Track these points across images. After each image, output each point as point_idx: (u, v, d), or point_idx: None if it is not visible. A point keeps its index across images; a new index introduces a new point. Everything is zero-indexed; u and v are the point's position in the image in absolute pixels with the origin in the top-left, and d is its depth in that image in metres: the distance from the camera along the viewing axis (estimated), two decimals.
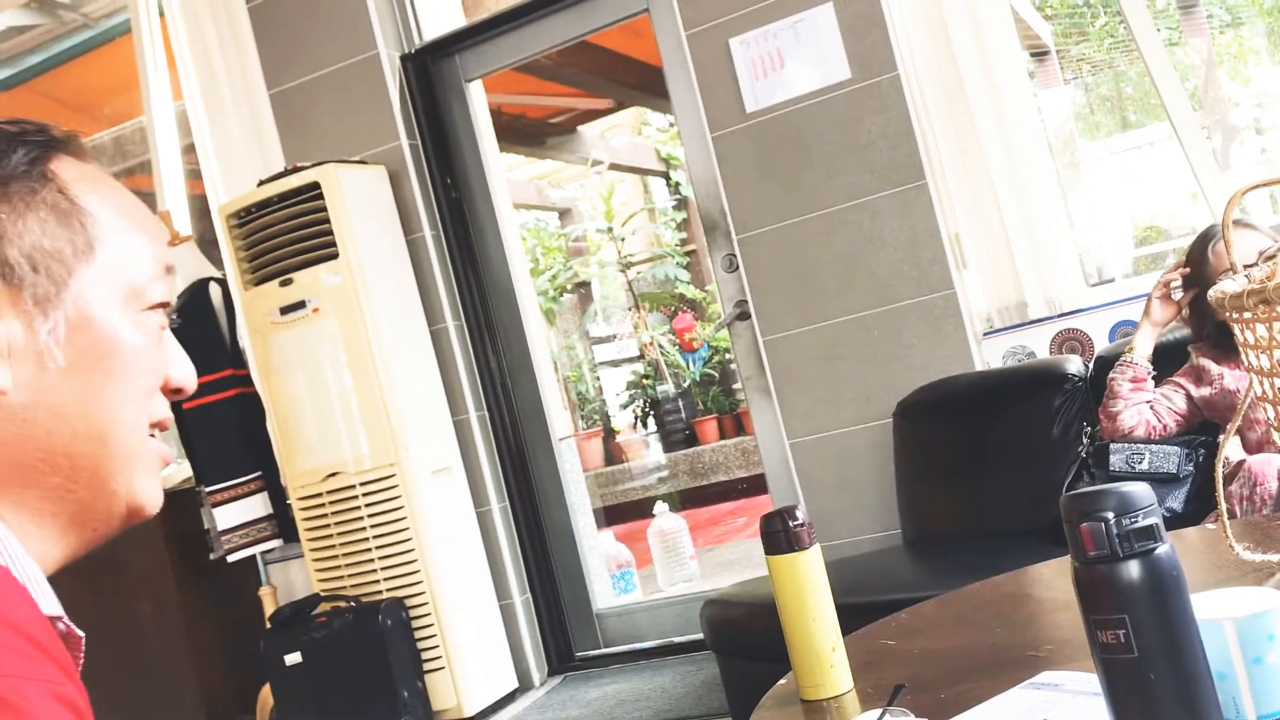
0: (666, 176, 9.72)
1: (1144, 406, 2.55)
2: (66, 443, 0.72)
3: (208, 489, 3.68)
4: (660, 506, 4.97)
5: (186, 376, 0.82)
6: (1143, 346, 2.58)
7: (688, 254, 9.27)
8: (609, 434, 8.71)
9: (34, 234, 0.73)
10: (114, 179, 0.81)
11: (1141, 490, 0.84)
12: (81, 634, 0.74)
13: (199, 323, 3.70)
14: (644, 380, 8.67)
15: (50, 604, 0.71)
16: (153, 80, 4.27)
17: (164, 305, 0.80)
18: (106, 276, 0.75)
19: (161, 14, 4.22)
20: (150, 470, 0.78)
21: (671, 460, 7.90)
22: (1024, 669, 1.19)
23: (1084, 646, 0.91)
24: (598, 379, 9.22)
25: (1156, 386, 2.58)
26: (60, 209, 0.74)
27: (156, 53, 4.29)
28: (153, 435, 0.79)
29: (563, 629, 3.91)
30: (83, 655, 0.75)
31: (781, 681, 1.41)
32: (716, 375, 8.36)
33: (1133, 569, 0.83)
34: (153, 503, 0.79)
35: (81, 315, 0.73)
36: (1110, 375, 2.60)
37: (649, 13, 3.65)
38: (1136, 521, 0.83)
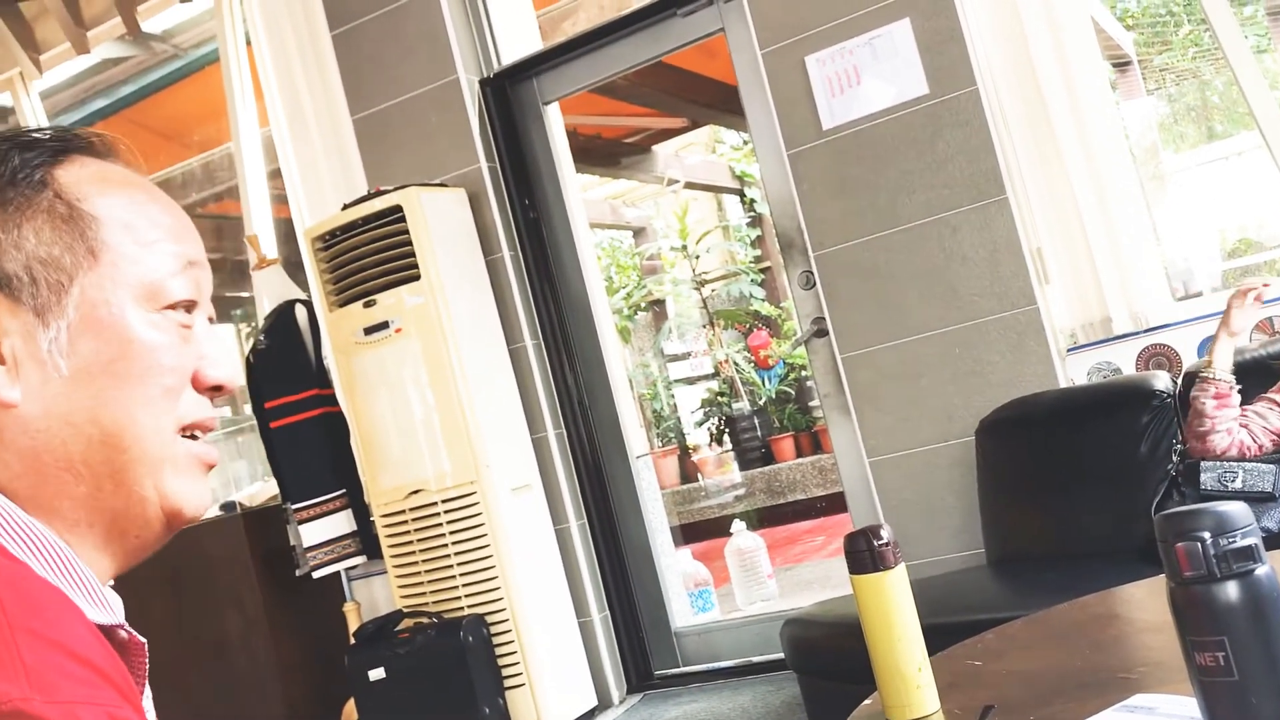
0: (741, 194, 9.71)
1: (1235, 425, 2.47)
2: (83, 451, 0.72)
3: (294, 506, 3.75)
4: (737, 525, 4.95)
5: (224, 374, 0.78)
6: (1222, 360, 2.49)
7: (762, 271, 9.25)
8: (684, 452, 8.70)
9: (29, 243, 0.72)
10: (139, 176, 0.80)
11: (1239, 510, 0.83)
12: (144, 640, 0.74)
13: (285, 344, 3.79)
14: (719, 398, 8.65)
15: (108, 613, 0.71)
16: (240, 108, 4.40)
17: (189, 302, 0.77)
18: (115, 279, 0.74)
19: (249, 43, 4.35)
20: (184, 472, 0.76)
21: (748, 478, 7.87)
22: (1116, 691, 1.17)
23: (1179, 669, 0.90)
24: (673, 397, 9.22)
25: (1250, 403, 2.51)
26: (58, 215, 0.73)
27: (244, 81, 4.41)
28: (192, 436, 0.77)
29: (641, 647, 3.92)
30: (146, 661, 0.74)
31: (866, 702, 1.40)
32: (793, 392, 8.32)
33: (1231, 590, 0.82)
34: (192, 505, 0.77)
35: (85, 321, 0.72)
36: (1192, 394, 2.53)
37: (724, 32, 3.67)
38: (1235, 541, 0.82)
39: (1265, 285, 2.50)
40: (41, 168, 0.75)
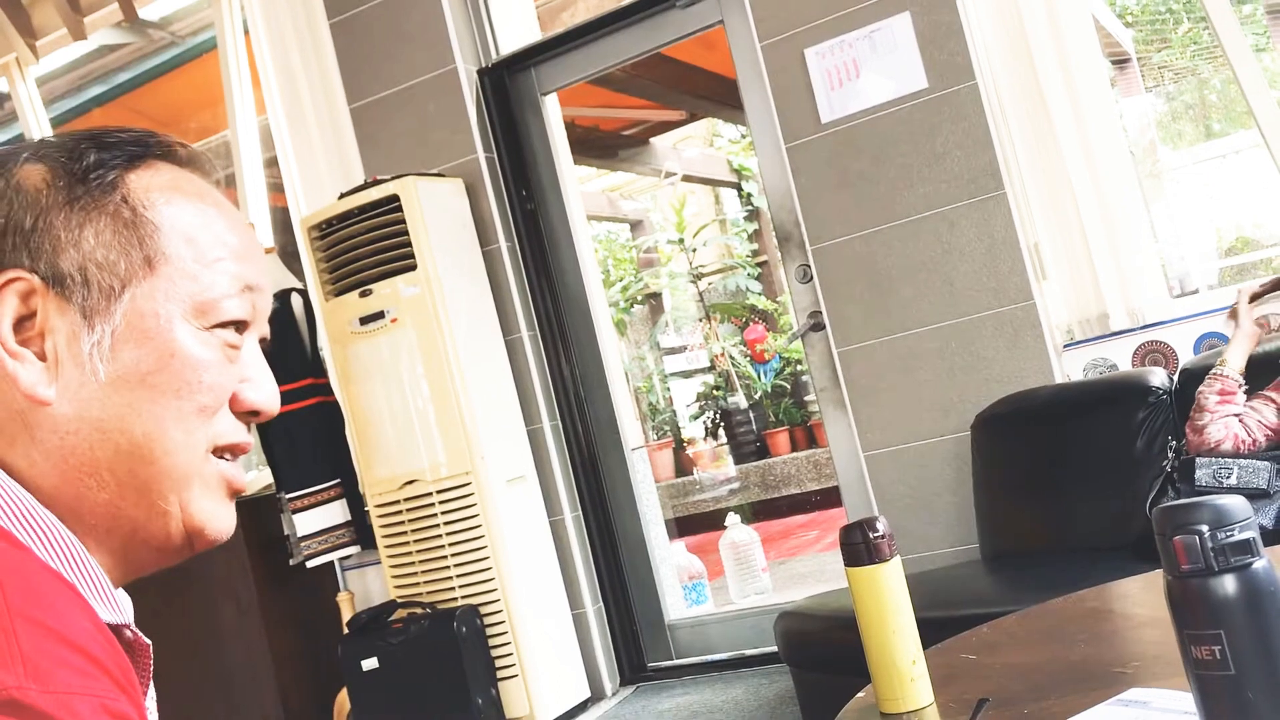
0: (738, 187, 9.70)
1: (1231, 420, 2.48)
2: (110, 458, 0.71)
3: (288, 495, 3.75)
4: (732, 518, 4.95)
5: (262, 399, 0.77)
6: (1235, 358, 2.52)
7: (759, 265, 9.24)
8: (680, 445, 8.70)
9: (89, 244, 0.71)
10: (214, 191, 0.79)
11: (1237, 503, 0.83)
12: (149, 642, 0.73)
13: (281, 333, 3.77)
14: (715, 391, 8.65)
15: (115, 611, 0.70)
16: (237, 96, 4.39)
17: (240, 323, 0.76)
18: (169, 291, 0.73)
19: (246, 31, 4.33)
20: (212, 493, 0.75)
21: (743, 472, 7.87)
22: (1111, 685, 1.17)
23: (1174, 664, 0.90)
24: (668, 390, 9.22)
25: (1248, 400, 2.52)
26: (122, 220, 0.73)
27: (241, 69, 4.40)
28: (224, 458, 0.76)
29: (635, 639, 3.92)
30: (151, 662, 0.74)
31: (860, 695, 1.40)
32: (788, 387, 8.32)
33: (1228, 583, 0.81)
34: (216, 527, 0.76)
35: (131, 329, 0.71)
36: (1199, 389, 2.54)
37: (723, 24, 3.66)
38: (1232, 535, 0.82)
39: (1247, 285, 2.53)
40: (116, 169, 0.74)
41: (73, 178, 0.72)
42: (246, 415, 0.77)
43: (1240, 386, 2.50)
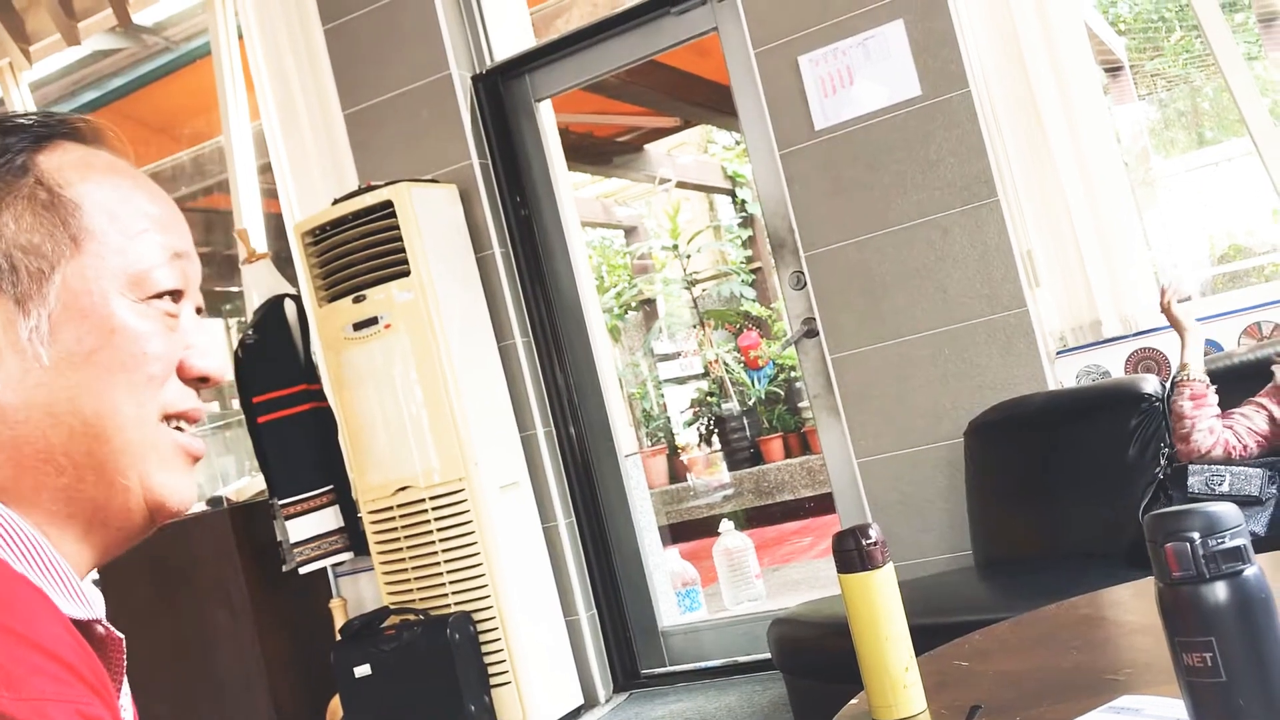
0: (732, 194, 9.72)
1: (1216, 425, 2.49)
2: (64, 441, 0.70)
3: (281, 501, 3.74)
4: (725, 525, 4.95)
5: (210, 364, 0.77)
6: (1193, 360, 2.55)
7: (753, 271, 9.25)
8: (673, 451, 8.70)
9: (9, 230, 0.70)
10: (126, 164, 0.78)
11: (1229, 510, 0.83)
12: (121, 636, 0.73)
13: (274, 338, 3.78)
14: (708, 398, 8.65)
15: (84, 607, 0.70)
16: (231, 101, 4.38)
17: (175, 292, 0.76)
18: (98, 267, 0.72)
19: (240, 37, 4.33)
20: (169, 464, 0.75)
21: (736, 478, 7.87)
22: (1103, 692, 1.17)
23: (1166, 671, 0.90)
24: (662, 396, 9.22)
25: (1237, 407, 2.53)
26: (39, 201, 0.72)
27: (235, 75, 4.40)
28: (178, 428, 0.76)
29: (628, 646, 3.92)
30: (124, 657, 0.73)
31: (853, 701, 1.39)
32: (782, 393, 8.32)
33: (1219, 590, 0.82)
34: (176, 497, 0.75)
35: (67, 310, 0.71)
36: (1171, 399, 2.57)
37: (717, 31, 3.66)
38: (1223, 542, 0.82)
39: (1173, 286, 2.57)
40: (24, 153, 0.73)
41: None
42: (196, 382, 0.77)
43: (1208, 387, 2.52)
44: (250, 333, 3.80)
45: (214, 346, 0.78)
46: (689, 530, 7.33)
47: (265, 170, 4.38)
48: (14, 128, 0.74)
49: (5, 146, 0.73)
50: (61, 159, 0.74)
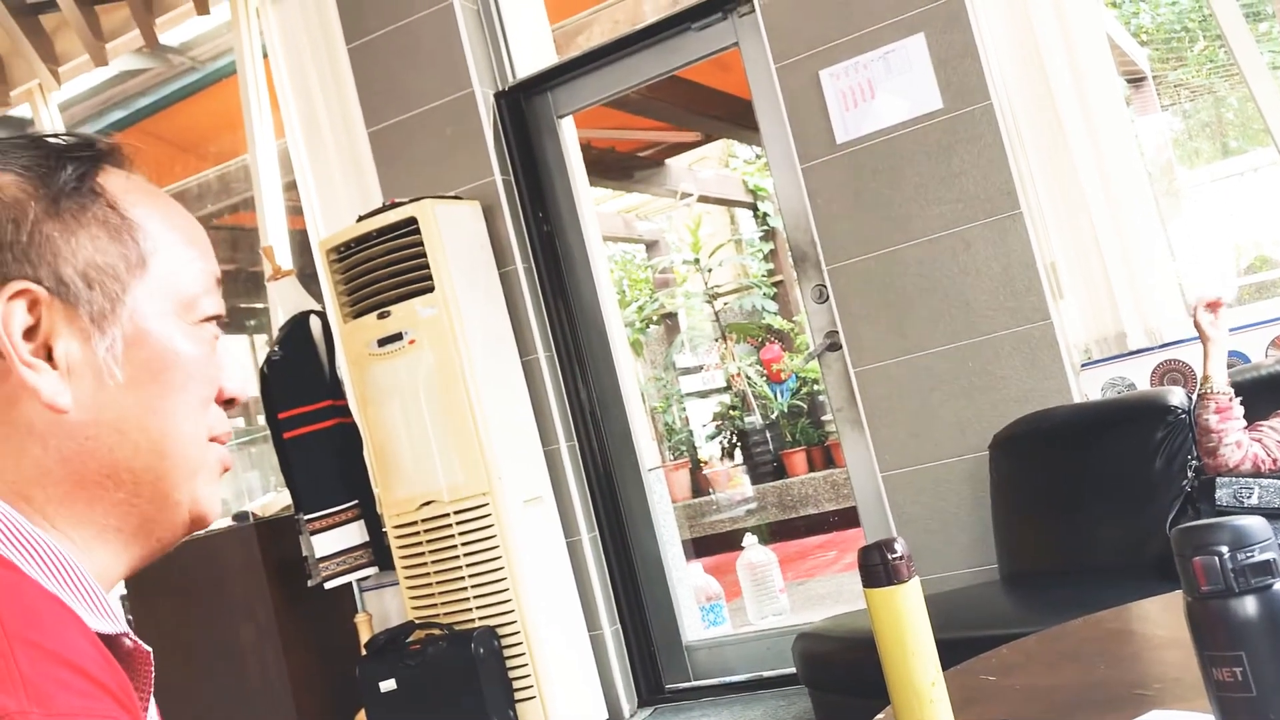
0: (754, 208, 9.72)
1: (1244, 438, 2.46)
2: (129, 458, 0.72)
3: (306, 517, 3.76)
4: (749, 539, 4.94)
5: (239, 388, 0.80)
6: (1217, 373, 2.50)
7: (775, 285, 9.24)
8: (696, 465, 8.69)
9: (87, 250, 0.72)
10: (160, 190, 0.81)
11: (1257, 524, 0.83)
12: (149, 649, 0.74)
13: (299, 355, 3.80)
14: (731, 411, 8.64)
15: (112, 622, 0.71)
16: (256, 120, 4.42)
17: (216, 317, 0.79)
18: (160, 290, 0.75)
19: (265, 56, 4.37)
20: (211, 479, 0.78)
21: (760, 492, 7.85)
22: (1131, 707, 1.16)
23: (1195, 686, 0.89)
24: (684, 410, 9.22)
25: (1265, 419, 2.50)
26: (111, 224, 0.74)
27: (260, 93, 4.44)
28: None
29: (652, 660, 3.91)
30: (152, 671, 0.74)
31: (879, 716, 1.39)
32: (805, 407, 8.30)
33: (1249, 604, 0.81)
34: (215, 511, 0.79)
35: (138, 330, 0.73)
36: (1196, 413, 2.53)
37: (738, 47, 3.68)
38: (1252, 556, 0.82)
39: (1202, 290, 2.53)
40: (89, 177, 0.75)
41: (51, 186, 0.72)
42: (226, 404, 0.80)
43: (1231, 399, 2.48)
44: (276, 349, 3.83)
45: (239, 369, 0.81)
46: (712, 544, 7.31)
47: (290, 188, 4.41)
48: (77, 152, 0.75)
49: (75, 169, 0.74)
50: (117, 183, 0.76)
